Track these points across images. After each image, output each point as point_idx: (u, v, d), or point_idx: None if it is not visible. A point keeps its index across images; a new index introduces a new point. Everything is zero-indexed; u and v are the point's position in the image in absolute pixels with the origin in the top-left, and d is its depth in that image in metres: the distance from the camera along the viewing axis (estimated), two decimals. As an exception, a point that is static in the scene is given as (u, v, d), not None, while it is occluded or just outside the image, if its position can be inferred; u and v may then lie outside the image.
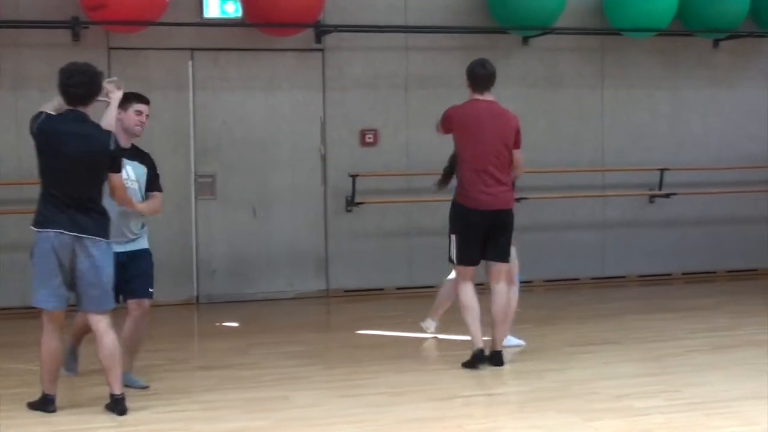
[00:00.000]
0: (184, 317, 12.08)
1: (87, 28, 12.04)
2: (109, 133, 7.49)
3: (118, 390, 7.50)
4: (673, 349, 9.66)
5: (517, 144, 8.90)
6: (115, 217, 7.81)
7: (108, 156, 7.43)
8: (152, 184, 8.29)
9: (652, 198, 14.28)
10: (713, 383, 8.33)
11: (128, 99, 8.11)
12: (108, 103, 7.78)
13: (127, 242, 8.11)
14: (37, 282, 7.44)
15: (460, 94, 9.20)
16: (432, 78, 13.29)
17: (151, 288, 8.26)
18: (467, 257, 8.88)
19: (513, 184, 9.18)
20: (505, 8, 13.11)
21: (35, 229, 7.41)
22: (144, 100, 8.25)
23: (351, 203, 13.00)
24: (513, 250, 9.31)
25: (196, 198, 12.63)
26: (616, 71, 14.12)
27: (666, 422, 7.23)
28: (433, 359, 9.28)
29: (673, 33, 13.96)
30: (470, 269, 8.93)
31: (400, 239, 13.35)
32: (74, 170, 7.35)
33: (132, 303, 8.15)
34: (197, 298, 12.74)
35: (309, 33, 12.80)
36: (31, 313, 8.02)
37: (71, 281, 7.41)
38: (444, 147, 9.18)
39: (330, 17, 12.88)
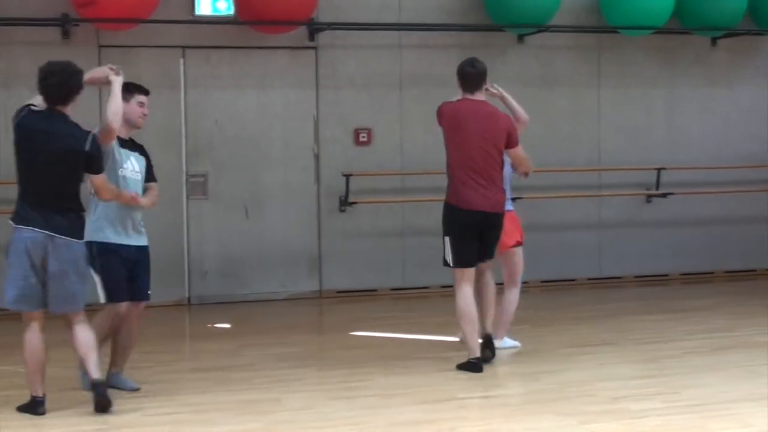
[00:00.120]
0: (175, 318, 12.05)
1: (77, 25, 12.02)
2: (87, 133, 7.48)
3: (96, 374, 7.50)
4: (670, 351, 9.65)
5: (511, 143, 8.86)
6: (121, 211, 7.88)
7: (83, 157, 7.43)
8: (149, 174, 8.32)
9: (649, 198, 14.27)
10: (711, 385, 8.31)
11: (130, 90, 8.11)
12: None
13: (135, 235, 8.12)
14: (8, 282, 7.46)
15: (454, 93, 9.17)
16: (426, 76, 13.27)
17: (150, 290, 8.27)
18: (464, 258, 8.83)
19: (527, 175, 9.29)
20: (500, 6, 13.10)
21: (13, 224, 7.44)
22: (145, 92, 8.26)
23: (344, 203, 12.98)
24: (520, 250, 9.34)
25: (187, 197, 12.61)
26: (613, 70, 14.11)
27: (663, 425, 7.21)
28: (427, 361, 9.24)
29: (670, 31, 13.95)
30: (469, 271, 8.86)
31: (394, 239, 13.33)
32: (48, 169, 7.38)
33: (131, 304, 8.13)
34: (188, 298, 12.71)
35: (302, 31, 12.79)
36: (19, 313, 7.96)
37: (44, 281, 7.42)
38: (439, 146, 9.16)
39: (323, 15, 12.86)
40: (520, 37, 13.63)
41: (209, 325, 11.52)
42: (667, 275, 14.42)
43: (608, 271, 14.19)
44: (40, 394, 7.53)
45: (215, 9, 12.55)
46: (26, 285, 7.40)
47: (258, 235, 12.89)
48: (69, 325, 7.57)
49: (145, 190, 8.20)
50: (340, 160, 13.06)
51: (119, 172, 7.98)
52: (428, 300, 13.02)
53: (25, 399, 7.60)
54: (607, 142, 14.11)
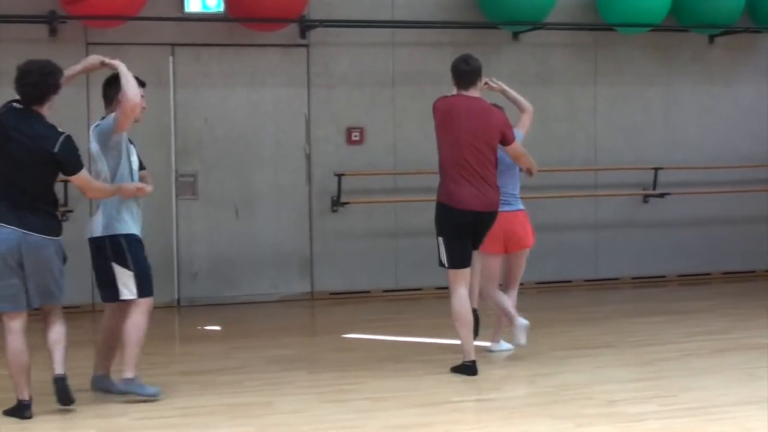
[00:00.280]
0: (165, 320, 12.02)
1: (65, 22, 12.01)
2: (59, 135, 7.48)
3: (62, 370, 7.60)
4: (668, 353, 9.65)
5: (506, 140, 8.83)
6: (134, 202, 7.98)
7: (52, 159, 7.45)
8: (140, 163, 8.34)
9: (646, 198, 14.28)
10: (710, 388, 8.31)
11: None
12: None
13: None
14: None
15: (448, 91, 9.17)
16: (420, 74, 13.27)
17: None
18: (458, 259, 8.80)
19: (531, 174, 9.25)
20: (495, 3, 13.10)
21: None
22: (143, 84, 8.24)
23: (336, 203, 12.97)
24: (528, 252, 9.41)
25: (176, 197, 12.60)
26: (609, 68, 14.12)
27: (661, 428, 7.21)
28: (421, 363, 9.24)
29: (667, 29, 13.97)
30: (464, 272, 8.83)
31: (387, 240, 13.33)
32: (19, 169, 7.42)
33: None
34: (178, 300, 12.70)
35: (293, 28, 12.78)
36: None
37: (23, 278, 7.45)
38: (433, 146, 9.15)
39: (315, 12, 12.86)
40: (515, 35, 13.63)
41: (199, 327, 11.51)
42: (664, 276, 14.43)
43: (605, 273, 14.20)
44: (27, 398, 7.52)
45: (205, 6, 12.54)
46: (5, 285, 7.42)
47: (249, 236, 12.88)
48: (45, 318, 7.64)
49: (140, 179, 8.23)
50: (332, 160, 13.05)
51: (132, 165, 8.03)
52: (421, 302, 13.02)
53: (13, 402, 7.58)
54: (604, 141, 14.12)
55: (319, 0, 12.83)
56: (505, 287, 9.60)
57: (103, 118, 8.01)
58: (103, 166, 7.92)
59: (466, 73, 8.83)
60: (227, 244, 12.82)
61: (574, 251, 13.97)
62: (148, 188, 8.10)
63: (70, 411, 7.68)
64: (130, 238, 7.98)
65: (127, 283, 7.93)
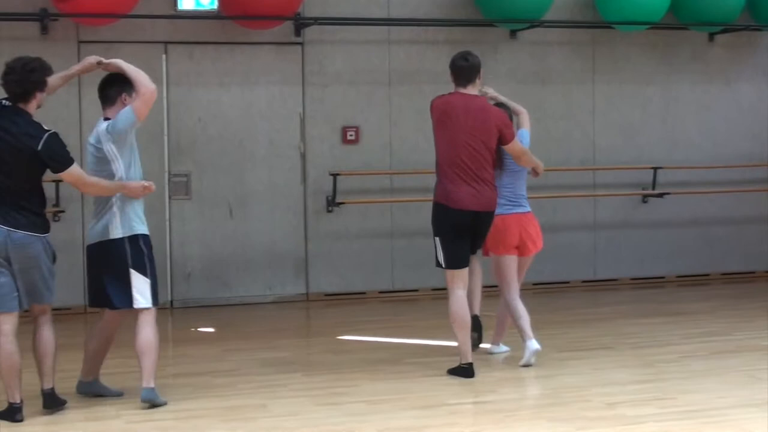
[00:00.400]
0: (158, 322, 11.95)
1: (56, 20, 11.99)
2: (44, 133, 7.47)
3: (50, 383, 7.63)
4: (667, 355, 9.66)
5: (504, 139, 8.82)
6: (141, 202, 7.97)
7: (38, 157, 7.44)
8: None
9: (644, 198, 14.29)
10: (709, 390, 8.32)
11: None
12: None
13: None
14: None
15: (445, 90, 9.17)
16: (416, 73, 13.28)
17: None
18: (456, 259, 8.79)
19: (537, 174, 9.32)
20: (492, 0, 13.10)
21: None
22: None
23: (332, 203, 12.97)
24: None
25: (170, 198, 12.59)
26: (608, 66, 14.13)
27: (660, 431, 7.22)
28: (417, 366, 9.24)
29: (666, 26, 13.98)
30: (462, 273, 8.82)
31: (382, 241, 13.33)
32: (3, 168, 7.42)
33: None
34: (171, 302, 12.69)
35: (288, 26, 12.78)
36: None
37: (13, 277, 7.44)
38: (429, 145, 9.16)
39: (310, 9, 12.86)
40: (513, 33, 13.64)
41: (192, 329, 11.51)
42: (663, 277, 14.44)
43: (603, 273, 14.21)
44: (18, 401, 7.51)
45: (198, 3, 12.54)
46: None
47: (243, 237, 12.88)
48: (34, 321, 7.64)
49: None
50: (328, 159, 13.05)
51: (139, 164, 8.05)
52: (418, 303, 13.02)
53: (3, 406, 7.58)
54: (602, 140, 14.13)
55: (314, -3, 12.86)
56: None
57: (106, 119, 7.94)
58: (118, 167, 7.84)
59: (464, 69, 8.82)
60: (221, 245, 12.82)
61: (572, 252, 13.97)
62: (153, 186, 8.12)
63: (61, 414, 7.68)
64: (147, 240, 7.98)
65: (143, 291, 7.87)
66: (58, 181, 11.34)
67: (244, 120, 12.86)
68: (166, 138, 12.56)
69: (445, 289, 9.00)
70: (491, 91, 9.43)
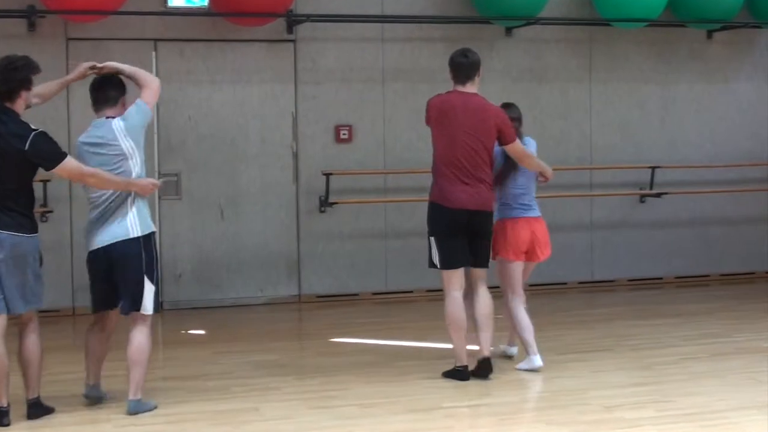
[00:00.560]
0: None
1: (44, 17, 11.96)
2: (30, 132, 7.44)
3: (36, 393, 7.62)
4: (665, 357, 9.66)
5: (504, 139, 8.81)
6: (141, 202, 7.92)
7: (26, 157, 7.42)
8: None
9: (642, 198, 14.29)
10: (708, 393, 8.32)
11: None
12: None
13: None
14: None
15: (439, 88, 9.16)
16: (410, 71, 13.27)
17: None
18: (451, 259, 8.77)
19: (545, 179, 9.27)
20: (487, -3, 13.12)
21: None
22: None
23: (324, 203, 12.95)
24: None
25: (159, 198, 12.55)
26: (605, 64, 14.12)
27: (659, 434, 7.24)
28: (412, 368, 9.23)
29: (664, 24, 13.98)
30: (457, 273, 8.79)
31: (376, 241, 13.31)
32: None
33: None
34: (161, 304, 12.64)
35: (280, 23, 12.76)
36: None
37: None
38: (424, 144, 9.14)
39: (302, 6, 12.84)
40: (509, 30, 13.63)
41: (183, 332, 11.49)
42: (661, 278, 14.44)
43: (600, 275, 14.21)
44: (5, 405, 7.49)
45: (189, 0, 12.51)
46: None
47: (234, 237, 12.86)
48: (21, 328, 7.59)
49: None
50: (320, 159, 13.04)
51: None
52: (412, 305, 13.01)
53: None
54: (599, 139, 14.12)
55: (307, -6, 12.85)
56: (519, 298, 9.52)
57: (107, 117, 7.86)
58: (135, 164, 7.80)
59: (463, 66, 8.82)
60: (212, 246, 12.80)
61: (569, 253, 13.96)
62: (160, 183, 8.12)
63: (49, 419, 7.65)
64: (155, 237, 7.98)
65: (150, 298, 7.83)
66: (45, 181, 11.33)
67: (235, 118, 12.84)
68: (155, 137, 12.52)
69: (440, 290, 8.99)
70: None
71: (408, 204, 12.86)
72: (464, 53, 8.86)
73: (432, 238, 8.83)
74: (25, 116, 7.61)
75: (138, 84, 8.04)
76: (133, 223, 7.79)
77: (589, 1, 13.74)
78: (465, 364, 8.80)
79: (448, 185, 8.69)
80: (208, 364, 9.66)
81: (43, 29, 12.03)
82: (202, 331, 11.51)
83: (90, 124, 7.96)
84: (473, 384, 8.68)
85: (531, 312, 9.30)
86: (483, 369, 8.80)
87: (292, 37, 12.93)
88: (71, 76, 8.18)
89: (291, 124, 13.02)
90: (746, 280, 14.60)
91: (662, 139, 14.37)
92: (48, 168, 7.55)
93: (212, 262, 12.80)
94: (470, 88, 8.81)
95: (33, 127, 7.50)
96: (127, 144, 7.77)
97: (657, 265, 14.40)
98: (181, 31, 12.57)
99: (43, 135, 7.50)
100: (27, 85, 7.54)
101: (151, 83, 8.04)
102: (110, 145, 7.75)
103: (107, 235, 7.78)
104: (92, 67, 8.07)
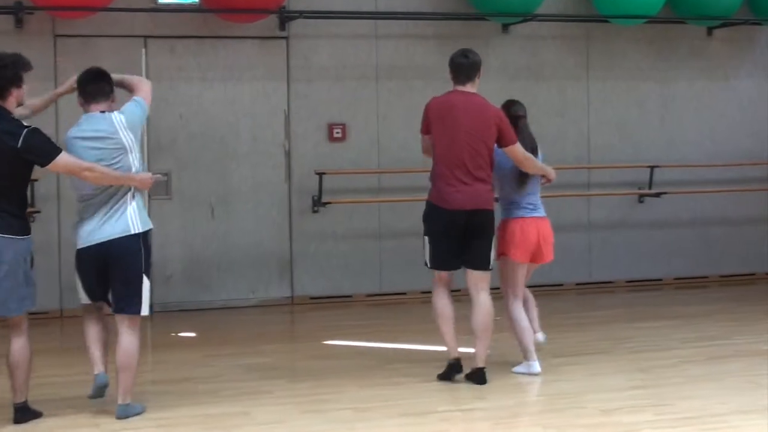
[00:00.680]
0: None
1: (31, 13, 11.95)
2: (22, 130, 7.42)
3: (23, 397, 7.57)
4: (664, 360, 9.66)
5: (504, 140, 8.80)
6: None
7: (19, 155, 7.40)
8: None
9: (641, 197, 14.30)
10: (707, 396, 8.31)
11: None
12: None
13: None
14: None
15: (434, 85, 9.19)
16: (404, 68, 13.27)
17: None
18: (440, 261, 8.79)
19: (548, 180, 9.28)
20: (483, -7, 13.13)
21: None
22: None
23: (317, 203, 12.96)
24: None
25: (149, 197, 12.54)
26: (603, 61, 14.14)
27: (657, 438, 7.24)
28: (406, 372, 9.23)
29: (663, 20, 13.99)
30: (444, 274, 8.85)
31: (370, 242, 13.32)
32: None
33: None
34: (151, 306, 12.61)
35: (272, 19, 12.77)
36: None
37: None
38: (418, 143, 9.14)
39: (295, 2, 12.85)
40: (505, 27, 13.64)
41: (173, 334, 11.49)
42: (660, 279, 14.45)
43: (598, 276, 14.21)
44: (-7, 408, 7.50)
45: (179, -4, 12.54)
46: None
47: (225, 238, 12.86)
48: (10, 331, 7.55)
49: None
50: (313, 158, 13.04)
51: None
52: (406, 306, 13.01)
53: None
54: (597, 138, 14.13)
55: (299, -10, 12.85)
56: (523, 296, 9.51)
57: (103, 111, 7.81)
58: (135, 158, 7.82)
59: (464, 66, 8.83)
60: (203, 246, 12.79)
61: (566, 253, 13.91)
62: (159, 177, 8.12)
63: (36, 423, 7.64)
64: (151, 234, 7.98)
65: (146, 298, 7.80)
66: (33, 181, 11.29)
67: (226, 116, 12.84)
68: (145, 135, 12.51)
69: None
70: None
71: (402, 204, 12.87)
72: (465, 54, 8.87)
73: (426, 238, 8.85)
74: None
75: (130, 89, 8.00)
76: (133, 219, 7.77)
77: (587, -3, 13.78)
78: (457, 356, 8.80)
79: (446, 186, 8.70)
80: (198, 367, 9.66)
81: (30, 26, 12.01)
82: (192, 334, 11.50)
83: (80, 119, 7.91)
84: (468, 388, 8.68)
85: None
86: (476, 378, 8.79)
87: (284, 33, 12.93)
88: (62, 89, 8.16)
89: (283, 122, 13.02)
90: (746, 281, 14.61)
91: (661, 137, 14.38)
92: (43, 164, 7.52)
93: (203, 262, 12.80)
94: (470, 88, 8.83)
95: (25, 124, 7.49)
96: (128, 137, 7.76)
97: (656, 266, 14.42)
98: (171, 27, 12.57)
99: (36, 131, 7.48)
100: (18, 82, 7.52)
101: (144, 84, 8.07)
102: (110, 138, 7.71)
103: (104, 232, 7.72)
104: None
